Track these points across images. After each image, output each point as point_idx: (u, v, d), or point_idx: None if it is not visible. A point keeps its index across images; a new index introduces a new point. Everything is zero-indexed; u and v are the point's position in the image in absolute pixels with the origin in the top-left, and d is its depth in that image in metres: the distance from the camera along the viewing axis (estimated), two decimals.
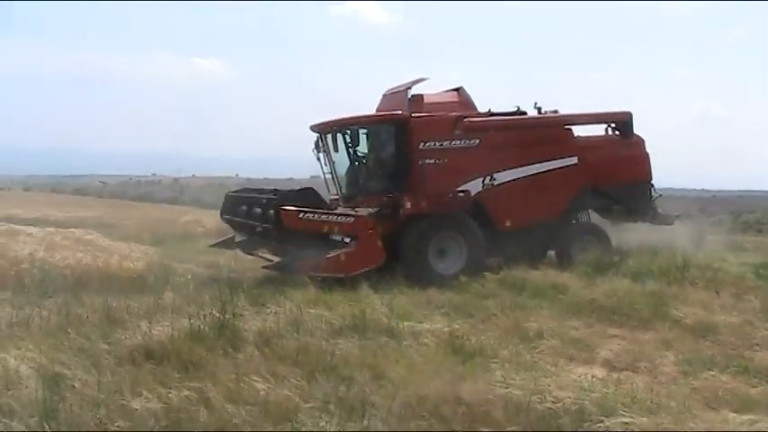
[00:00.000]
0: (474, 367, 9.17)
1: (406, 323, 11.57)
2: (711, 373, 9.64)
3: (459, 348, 10.11)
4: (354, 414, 7.52)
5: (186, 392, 7.87)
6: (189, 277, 15.22)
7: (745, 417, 7.85)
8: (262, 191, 20.38)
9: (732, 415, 7.91)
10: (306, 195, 18.09)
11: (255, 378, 8.31)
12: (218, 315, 10.40)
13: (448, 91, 20.10)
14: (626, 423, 7.17)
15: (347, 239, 17.18)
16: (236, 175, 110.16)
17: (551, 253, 19.62)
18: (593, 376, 9.19)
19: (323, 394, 7.99)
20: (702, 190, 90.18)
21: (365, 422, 7.35)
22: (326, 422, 7.31)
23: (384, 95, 20.44)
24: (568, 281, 15.67)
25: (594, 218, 20.72)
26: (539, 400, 7.70)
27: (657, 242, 19.66)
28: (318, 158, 19.62)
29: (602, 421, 7.24)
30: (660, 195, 20.88)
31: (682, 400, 8.28)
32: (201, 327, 10.06)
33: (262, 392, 7.96)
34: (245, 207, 18.72)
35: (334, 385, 8.26)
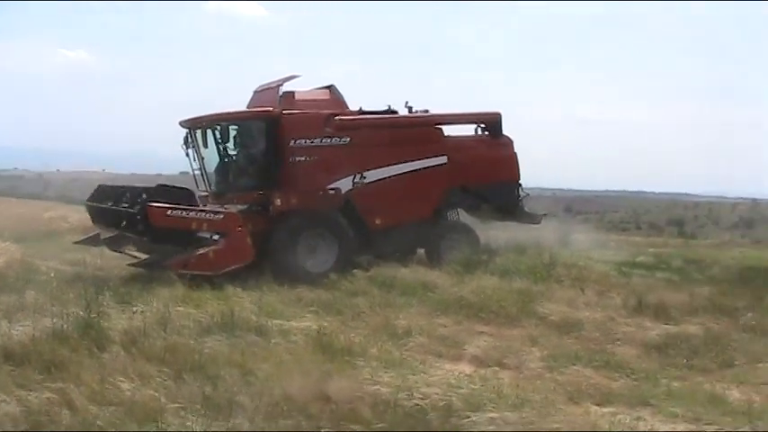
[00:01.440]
0: (342, 365, 9.14)
1: (274, 321, 11.48)
2: (575, 367, 9.88)
3: (328, 346, 10.04)
4: (221, 413, 7.41)
5: (48, 394, 7.65)
6: (52, 275, 14.68)
7: (607, 409, 8.12)
8: (134, 187, 19.84)
9: (594, 408, 8.14)
10: (177, 193, 17.79)
11: (121, 378, 8.12)
12: (82, 314, 10.08)
13: (320, 89, 20.00)
14: (492, 418, 7.25)
15: (216, 236, 16.93)
16: (104, 170, 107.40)
17: (421, 251, 19.70)
18: (460, 373, 9.32)
19: (190, 394, 7.85)
20: (569, 190, 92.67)
21: (232, 421, 7.24)
22: (193, 422, 7.17)
23: (255, 92, 20.21)
24: (437, 279, 15.78)
25: (464, 217, 20.89)
26: (406, 396, 7.72)
27: (525, 240, 19.97)
28: (188, 154, 19.27)
29: (468, 417, 7.31)
30: (528, 195, 21.23)
31: (546, 394, 8.43)
32: (65, 327, 9.73)
33: (127, 393, 7.80)
34: (112, 202, 18.22)
35: (201, 384, 8.11)
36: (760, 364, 10.49)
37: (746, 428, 7.61)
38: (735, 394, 9.05)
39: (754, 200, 76.93)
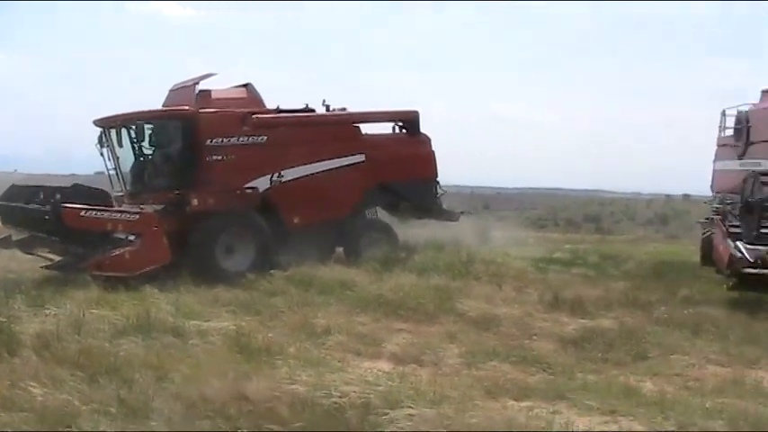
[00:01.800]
0: (260, 365, 9.08)
1: (192, 322, 11.37)
2: (493, 363, 9.94)
3: (246, 346, 9.94)
4: (137, 416, 7.28)
5: None
6: None
7: (524, 404, 8.18)
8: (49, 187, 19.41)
9: (512, 402, 8.20)
10: (92, 193, 17.48)
11: (32, 383, 7.92)
12: None
13: (236, 87, 19.85)
14: (410, 415, 7.25)
15: (132, 237, 16.68)
16: (15, 170, 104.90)
17: (340, 249, 19.69)
18: (379, 370, 9.31)
19: (104, 397, 7.69)
20: (488, 187, 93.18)
21: (148, 423, 7.11)
22: (107, 425, 7.03)
23: (171, 90, 19.95)
24: (356, 277, 15.77)
25: (382, 215, 20.93)
26: (324, 395, 7.68)
27: (443, 238, 20.11)
28: (102, 154, 18.94)
29: (386, 414, 7.29)
30: (445, 192, 21.37)
31: (464, 390, 8.48)
32: None
33: (39, 398, 7.58)
34: (23, 202, 17.80)
35: (116, 387, 7.96)
36: (673, 356, 10.72)
37: (659, 419, 7.73)
38: (648, 386, 9.21)
39: (668, 196, 78.29)
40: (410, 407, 7.45)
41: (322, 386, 7.94)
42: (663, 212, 65.40)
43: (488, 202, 64.67)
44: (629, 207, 75.76)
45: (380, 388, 8.05)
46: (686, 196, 62.88)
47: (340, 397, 7.66)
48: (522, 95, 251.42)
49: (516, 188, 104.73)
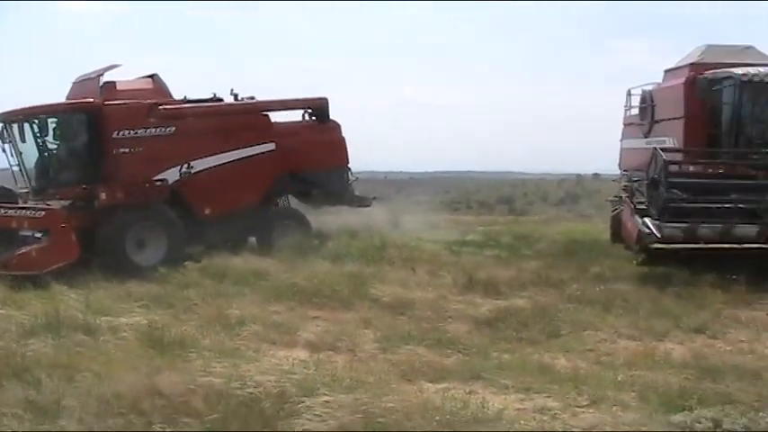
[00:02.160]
0: (174, 358, 8.96)
1: (103, 318, 11.18)
2: (408, 347, 9.99)
3: (159, 340, 9.81)
4: (47, 416, 7.10)
5: None
6: None
7: (440, 385, 8.27)
8: None
9: (428, 385, 8.29)
10: None
11: None
12: None
13: (142, 78, 19.54)
14: (326, 401, 7.20)
15: (39, 234, 16.33)
16: None
17: (253, 239, 19.56)
18: (295, 359, 9.25)
19: (11, 399, 7.48)
20: (401, 172, 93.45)
21: (59, 423, 6.95)
22: (16, 427, 6.85)
23: (74, 83, 19.52)
24: (270, 266, 15.69)
25: (294, 203, 20.86)
26: (240, 386, 7.59)
27: (356, 224, 20.14)
28: (4, 150, 18.44)
29: (302, 401, 7.24)
30: (357, 178, 21.36)
31: (380, 374, 8.49)
32: None
33: None
34: None
35: (24, 389, 7.75)
36: (585, 332, 10.94)
37: (572, 394, 7.86)
38: (562, 362, 9.37)
39: (579, 175, 79.52)
40: (326, 394, 7.41)
41: (237, 377, 7.85)
42: (574, 192, 66.44)
43: (402, 187, 64.95)
44: (541, 188, 76.83)
45: (296, 376, 8.00)
46: (596, 175, 63.86)
47: (255, 387, 7.58)
48: (433, 80, 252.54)
49: (429, 172, 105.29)
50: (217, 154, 18.81)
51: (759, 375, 8.60)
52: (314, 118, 20.75)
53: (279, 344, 10.45)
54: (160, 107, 18.39)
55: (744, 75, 16.91)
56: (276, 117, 20.40)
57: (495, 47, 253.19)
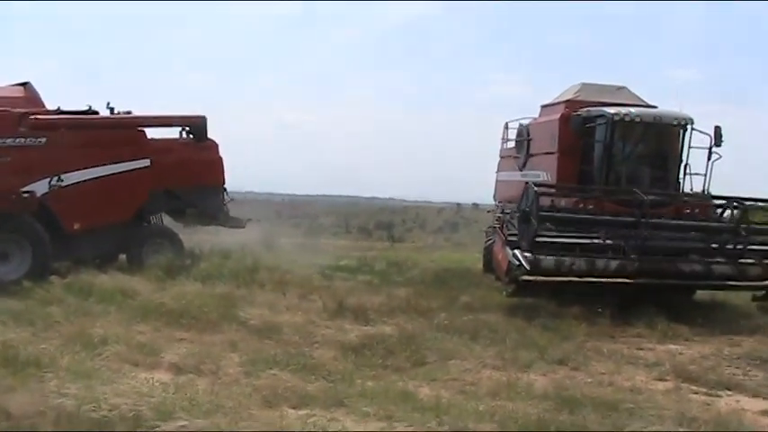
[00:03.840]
0: (27, 378, 8.63)
1: None
2: (273, 371, 9.82)
3: (13, 359, 9.45)
4: None
5: None
6: None
7: (302, 412, 8.16)
8: None
9: (290, 411, 8.17)
10: None
11: None
12: None
13: (14, 86, 18.97)
14: (182, 426, 7.08)
15: None
16: None
17: (123, 256, 19.15)
18: (155, 381, 9.02)
19: None
20: (283, 194, 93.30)
21: None
22: None
23: None
24: (138, 285, 15.35)
25: (168, 221, 20.54)
26: (94, 408, 7.40)
27: (230, 245, 19.95)
28: None
29: (158, 426, 7.09)
30: (233, 199, 21.16)
31: (241, 399, 8.37)
32: None
33: None
34: None
35: None
36: (451, 361, 10.98)
37: (433, 423, 7.87)
38: (426, 391, 9.36)
39: (459, 204, 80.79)
40: (183, 418, 7.30)
41: (91, 399, 7.63)
42: (453, 221, 67.42)
43: (282, 209, 64.73)
44: (420, 215, 77.64)
45: (154, 399, 7.84)
46: (475, 205, 64.99)
47: (110, 410, 7.40)
48: (319, 103, 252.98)
49: (310, 195, 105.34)
50: (89, 167, 18.33)
51: (616, 407, 8.76)
52: (191, 136, 20.48)
53: (141, 365, 10.18)
54: (31, 117, 17.83)
55: (615, 114, 17.44)
56: (153, 133, 20.03)
57: (384, 75, 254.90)
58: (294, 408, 8.32)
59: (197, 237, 20.74)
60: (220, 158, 20.58)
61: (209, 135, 20.52)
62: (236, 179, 21.27)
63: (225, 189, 20.67)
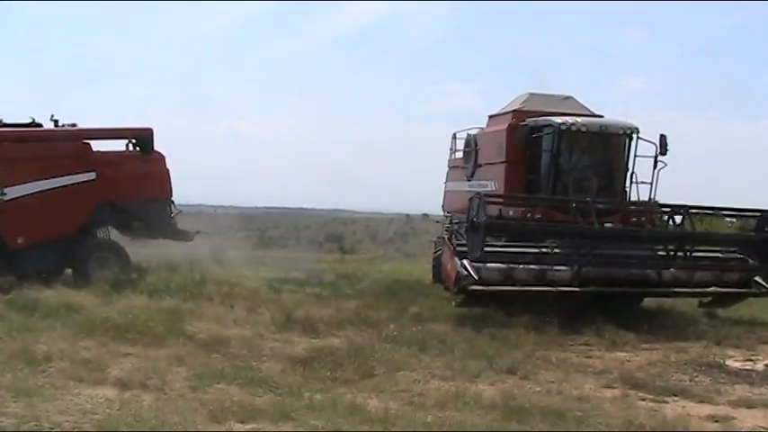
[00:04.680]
0: None
1: None
2: (220, 385, 9.72)
3: None
4: None
5: None
6: None
7: (249, 426, 8.07)
8: None
9: (237, 425, 8.08)
10: None
11: None
12: None
13: None
14: None
15: None
16: None
17: (69, 271, 18.88)
18: (99, 397, 8.88)
19: None
20: (232, 207, 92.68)
21: None
22: None
23: None
24: (84, 299, 15.16)
25: (115, 234, 20.32)
26: (34, 426, 7.26)
27: (178, 258, 19.76)
28: None
29: None
30: (180, 211, 21.00)
31: (187, 414, 8.24)
32: None
33: None
34: None
35: None
36: (399, 373, 10.93)
37: None
38: (374, 403, 9.28)
39: (408, 215, 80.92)
40: None
41: (33, 417, 7.50)
42: (403, 231, 67.52)
43: (232, 222, 64.37)
44: (371, 226, 77.70)
45: (98, 416, 7.74)
46: (425, 216, 65.13)
47: (51, 428, 7.28)
48: (268, 115, 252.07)
49: (259, 208, 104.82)
50: (33, 181, 18.11)
51: (564, 416, 8.78)
52: (138, 148, 20.30)
53: (86, 381, 9.99)
54: None
55: (562, 123, 17.56)
56: (98, 146, 19.80)
57: (336, 85, 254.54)
58: (241, 422, 8.22)
59: (144, 250, 20.51)
60: (167, 171, 20.43)
61: (156, 147, 20.37)
62: (183, 191, 21.09)
63: (172, 201, 20.51)
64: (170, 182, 20.41)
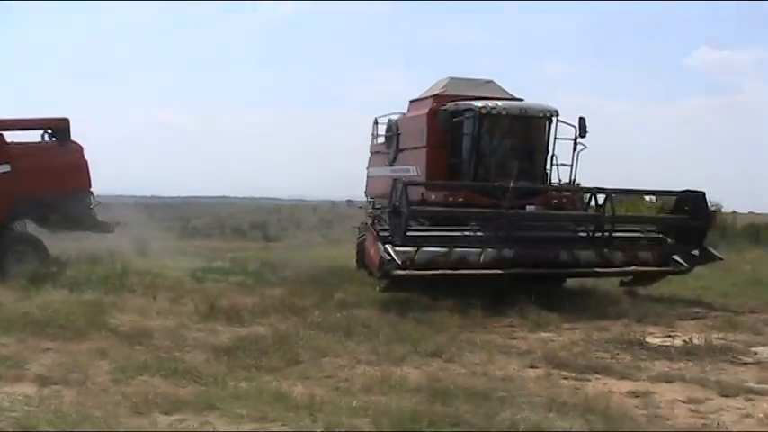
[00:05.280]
0: None
1: None
2: (143, 377, 9.64)
3: None
4: None
5: None
6: None
7: (174, 417, 7.99)
8: None
9: (162, 417, 7.99)
10: None
11: None
12: None
13: None
14: None
15: None
16: None
17: None
18: (18, 394, 8.70)
19: None
20: (154, 197, 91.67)
21: None
22: None
23: None
24: (1, 295, 14.87)
25: (32, 227, 19.94)
26: None
27: (99, 251, 19.50)
28: None
29: None
30: (100, 203, 20.69)
31: (110, 408, 8.11)
32: None
33: None
34: None
35: None
36: (324, 359, 10.94)
37: (307, 421, 7.82)
38: (299, 389, 9.25)
39: (333, 202, 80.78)
40: (48, 430, 7.05)
41: None
42: (328, 218, 67.39)
43: (153, 212, 63.65)
44: (296, 214, 77.45)
45: (16, 413, 7.59)
46: (350, 202, 65.02)
47: None
48: (189, 103, 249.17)
49: (182, 197, 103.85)
50: None
51: (488, 397, 8.86)
52: (54, 139, 19.92)
53: (4, 379, 9.77)
54: None
55: (483, 107, 17.66)
56: (12, 137, 19.37)
57: (259, 74, 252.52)
58: (166, 413, 8.13)
59: (63, 243, 20.16)
60: (86, 161, 20.10)
61: (73, 137, 20.02)
62: (103, 182, 20.76)
63: (91, 193, 20.19)
64: (88, 173, 20.08)
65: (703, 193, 17.61)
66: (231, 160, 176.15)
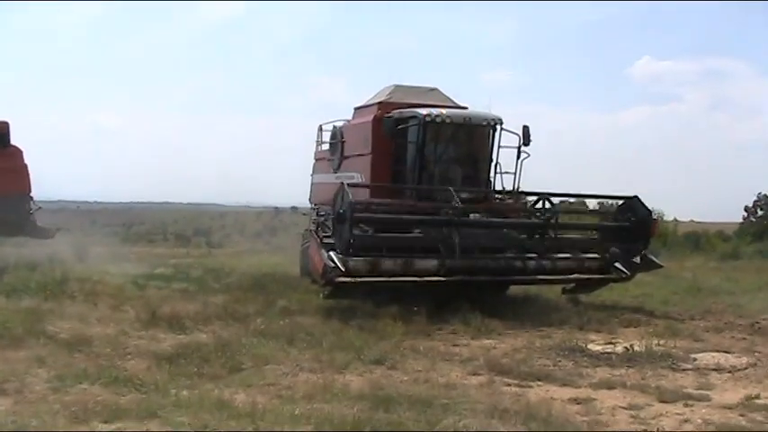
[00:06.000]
0: None
1: None
2: (83, 386, 9.48)
3: None
4: None
5: None
6: None
7: (114, 426, 7.88)
8: None
9: (101, 426, 7.88)
10: None
11: None
12: None
13: None
14: None
15: None
16: None
17: None
18: None
19: None
20: (96, 202, 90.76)
21: None
22: None
23: None
24: None
25: None
26: None
27: (38, 257, 19.21)
28: None
29: None
30: (40, 208, 20.44)
31: (47, 417, 7.98)
32: None
33: None
34: None
35: None
36: (267, 366, 10.87)
37: (249, 429, 7.76)
38: (241, 397, 9.19)
39: (277, 208, 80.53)
40: None
41: None
42: (272, 225, 67.15)
43: (95, 218, 62.99)
44: (240, 220, 77.10)
45: None
46: (294, 208, 64.87)
47: None
48: (130, 106, 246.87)
49: (124, 203, 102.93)
50: None
51: (431, 403, 8.86)
52: None
53: None
54: None
55: (427, 115, 17.69)
56: None
57: (201, 77, 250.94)
58: (105, 422, 8.02)
59: (1, 249, 19.85)
60: (25, 165, 19.84)
61: (13, 141, 19.74)
62: (44, 187, 20.49)
63: (31, 198, 19.93)
64: (29, 177, 19.85)
65: (639, 199, 17.88)
66: (174, 166, 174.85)
